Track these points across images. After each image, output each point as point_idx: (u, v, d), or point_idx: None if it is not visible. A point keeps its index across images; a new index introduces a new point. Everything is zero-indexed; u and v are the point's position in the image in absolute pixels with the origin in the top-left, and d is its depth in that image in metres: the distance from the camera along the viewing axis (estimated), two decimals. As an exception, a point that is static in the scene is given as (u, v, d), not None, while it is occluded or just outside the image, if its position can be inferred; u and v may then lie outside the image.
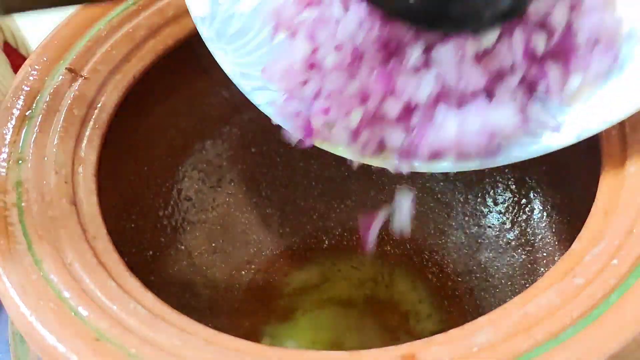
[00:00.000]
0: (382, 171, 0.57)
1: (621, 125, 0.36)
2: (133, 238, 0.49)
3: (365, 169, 0.57)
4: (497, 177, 0.54)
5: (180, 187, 0.53)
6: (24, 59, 0.63)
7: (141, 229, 0.49)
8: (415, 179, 0.57)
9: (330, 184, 0.58)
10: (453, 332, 0.29)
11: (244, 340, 0.30)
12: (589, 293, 0.29)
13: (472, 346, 0.28)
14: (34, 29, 0.65)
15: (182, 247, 0.53)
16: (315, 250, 0.57)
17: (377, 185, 0.58)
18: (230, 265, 0.55)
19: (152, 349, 0.29)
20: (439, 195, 0.57)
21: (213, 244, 0.54)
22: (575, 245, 0.31)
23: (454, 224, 0.56)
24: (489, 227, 0.54)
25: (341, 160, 0.57)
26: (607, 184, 0.33)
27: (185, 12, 0.43)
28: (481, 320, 0.29)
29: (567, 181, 0.50)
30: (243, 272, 0.55)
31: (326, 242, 0.57)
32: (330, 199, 0.58)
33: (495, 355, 0.27)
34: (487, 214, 0.55)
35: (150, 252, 0.50)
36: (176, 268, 0.52)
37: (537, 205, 0.52)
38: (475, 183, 0.55)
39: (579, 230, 0.48)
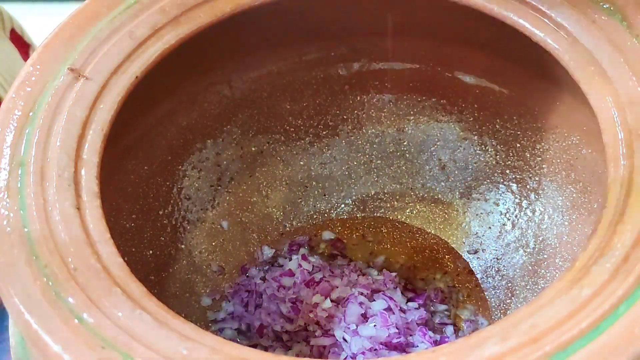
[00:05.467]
0: (384, 172, 0.57)
1: (627, 131, 0.35)
2: (133, 237, 0.48)
3: (365, 168, 0.58)
4: (499, 179, 0.54)
5: (181, 186, 0.53)
6: (28, 46, 0.63)
7: (141, 228, 0.49)
8: (415, 179, 0.57)
9: (331, 182, 0.58)
10: (461, 343, 0.29)
11: (249, 349, 0.30)
12: (597, 304, 0.29)
13: (480, 357, 0.28)
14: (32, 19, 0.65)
15: (182, 246, 0.52)
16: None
17: (379, 184, 0.58)
18: (230, 264, 0.54)
19: (159, 358, 0.29)
20: (439, 196, 0.56)
21: (213, 243, 0.54)
22: (582, 255, 0.31)
23: (454, 224, 0.56)
24: (490, 228, 0.54)
25: (342, 160, 0.57)
26: (614, 194, 0.33)
27: (187, 11, 0.43)
28: (489, 330, 0.29)
29: (569, 183, 0.50)
30: (243, 272, 0.55)
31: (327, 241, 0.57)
32: (331, 198, 0.58)
33: (503, 367, 0.28)
34: (488, 214, 0.55)
35: (150, 252, 0.50)
36: (176, 267, 0.51)
37: (538, 207, 0.52)
38: (477, 184, 0.55)
39: (579, 233, 0.49)
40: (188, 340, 0.30)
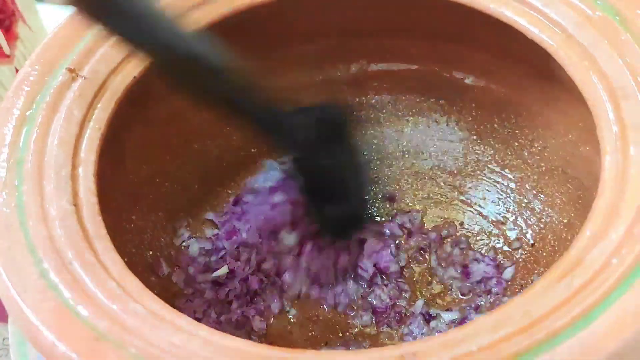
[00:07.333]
0: (383, 173, 0.57)
1: (622, 125, 0.36)
2: (133, 238, 0.48)
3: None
4: (498, 178, 0.54)
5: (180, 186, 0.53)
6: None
7: (141, 229, 0.49)
8: (414, 180, 0.57)
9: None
10: (454, 332, 0.29)
11: (243, 340, 0.30)
12: (589, 293, 0.29)
13: (472, 345, 0.28)
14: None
15: (182, 247, 0.53)
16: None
17: (378, 185, 0.58)
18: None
19: (152, 349, 0.29)
20: (438, 196, 0.56)
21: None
22: (575, 245, 0.31)
23: (454, 223, 0.56)
24: (489, 226, 0.54)
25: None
26: (608, 185, 0.33)
27: (185, 12, 0.44)
28: (482, 319, 0.29)
29: (566, 181, 0.50)
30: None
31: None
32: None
33: (495, 355, 0.28)
34: (488, 213, 0.55)
35: (150, 252, 0.50)
36: (176, 268, 0.52)
37: (536, 205, 0.52)
38: (476, 183, 0.55)
39: (578, 230, 0.49)
40: (182, 332, 0.30)
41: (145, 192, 0.50)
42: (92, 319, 0.30)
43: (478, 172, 0.55)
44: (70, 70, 0.40)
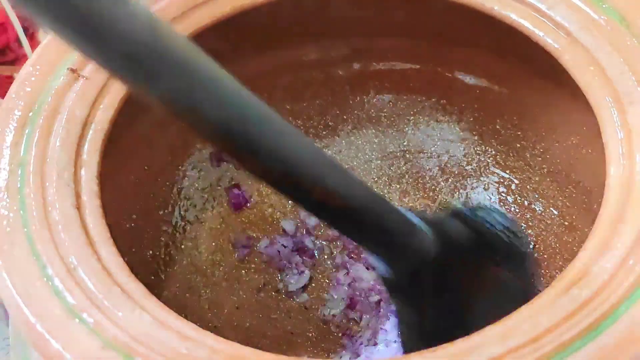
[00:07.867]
0: (384, 172, 0.57)
1: (627, 131, 0.35)
2: (133, 238, 0.48)
3: (366, 169, 0.58)
4: (499, 179, 0.54)
5: (181, 187, 0.53)
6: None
7: (141, 229, 0.49)
8: (415, 179, 0.57)
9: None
10: (461, 343, 0.29)
11: (249, 348, 0.30)
12: (597, 304, 0.29)
13: (481, 357, 0.28)
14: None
15: (182, 247, 0.52)
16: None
17: (378, 184, 0.57)
18: (230, 264, 0.54)
19: (159, 358, 0.29)
20: (439, 196, 0.56)
21: (213, 243, 0.54)
22: (582, 255, 0.31)
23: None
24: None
25: (342, 160, 0.57)
26: (614, 193, 0.33)
27: (186, 12, 0.43)
28: (489, 331, 0.29)
29: (569, 183, 0.50)
30: (243, 272, 0.55)
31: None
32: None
33: (503, 367, 0.28)
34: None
35: (150, 252, 0.50)
36: (176, 268, 0.52)
37: (538, 207, 0.52)
38: (477, 184, 0.55)
39: (580, 233, 0.49)
40: (188, 340, 0.30)
41: (145, 193, 0.49)
42: (98, 326, 0.30)
43: (479, 172, 0.55)
44: (72, 71, 0.40)
